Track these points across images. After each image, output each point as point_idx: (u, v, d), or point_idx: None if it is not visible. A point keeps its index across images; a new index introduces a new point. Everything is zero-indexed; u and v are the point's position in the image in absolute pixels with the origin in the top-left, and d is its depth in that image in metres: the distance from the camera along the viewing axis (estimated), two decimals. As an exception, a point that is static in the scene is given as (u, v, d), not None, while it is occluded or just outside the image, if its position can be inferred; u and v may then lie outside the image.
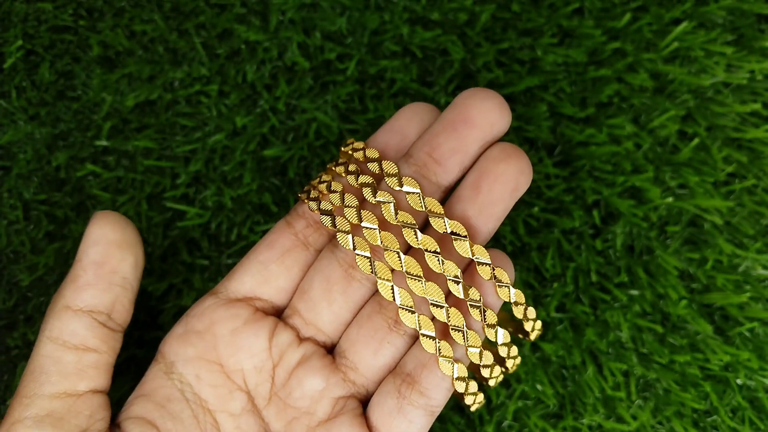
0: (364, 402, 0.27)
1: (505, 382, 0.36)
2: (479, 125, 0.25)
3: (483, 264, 0.24)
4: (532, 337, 0.27)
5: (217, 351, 0.27)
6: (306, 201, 0.27)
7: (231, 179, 0.38)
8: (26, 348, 0.36)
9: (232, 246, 0.37)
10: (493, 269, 0.24)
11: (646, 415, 0.36)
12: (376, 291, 0.27)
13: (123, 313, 0.27)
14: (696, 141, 0.38)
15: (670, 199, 0.38)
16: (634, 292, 0.37)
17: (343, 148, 0.28)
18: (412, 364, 0.26)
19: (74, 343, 0.25)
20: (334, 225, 0.25)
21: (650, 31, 0.40)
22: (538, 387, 0.36)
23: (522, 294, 0.25)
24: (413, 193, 0.25)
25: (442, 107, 0.39)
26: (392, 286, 0.25)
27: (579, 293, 0.37)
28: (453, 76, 0.39)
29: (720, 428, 0.36)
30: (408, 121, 0.28)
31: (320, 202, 0.26)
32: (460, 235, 0.24)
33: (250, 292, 0.27)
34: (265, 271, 0.27)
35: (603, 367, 0.36)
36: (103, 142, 0.38)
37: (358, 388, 0.27)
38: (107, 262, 0.26)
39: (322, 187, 0.27)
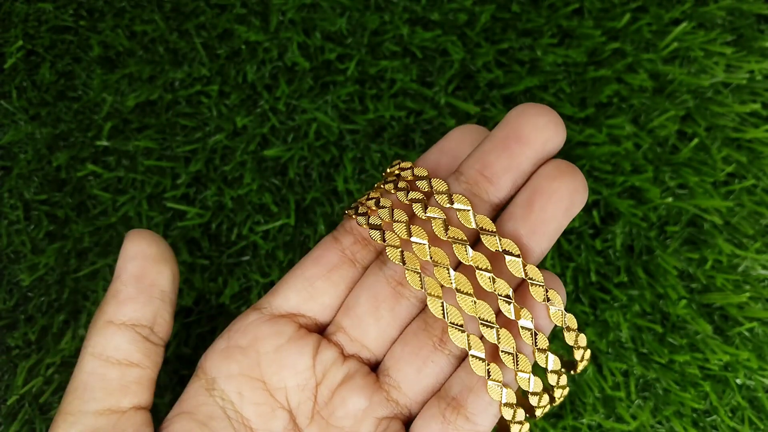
0: (407, 423, 0.27)
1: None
2: (532, 143, 0.24)
3: (536, 285, 0.24)
4: (579, 368, 0.26)
5: (261, 368, 0.26)
6: (354, 217, 0.26)
7: (231, 179, 0.38)
8: (26, 347, 0.36)
9: (232, 246, 0.37)
10: (546, 291, 0.24)
11: (645, 415, 0.36)
12: (424, 308, 0.26)
13: (164, 326, 0.26)
14: (695, 141, 0.38)
15: (669, 199, 0.38)
16: (634, 292, 0.37)
17: (389, 169, 0.27)
18: (458, 387, 0.25)
19: (118, 358, 0.25)
20: (383, 239, 0.25)
21: (650, 32, 0.40)
22: (538, 387, 0.36)
23: (575, 319, 0.24)
24: (464, 210, 0.24)
25: (441, 107, 0.39)
26: (442, 302, 0.24)
27: (579, 293, 0.37)
28: (453, 77, 0.39)
29: (719, 428, 0.36)
30: (459, 143, 0.27)
31: (369, 217, 0.26)
32: (513, 254, 0.23)
33: (295, 309, 0.27)
34: (311, 288, 0.27)
35: (603, 367, 0.36)
36: (104, 143, 0.38)
37: (401, 408, 0.26)
38: (146, 276, 0.26)
39: (371, 203, 0.26)
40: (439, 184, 0.25)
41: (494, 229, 0.24)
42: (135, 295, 0.26)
